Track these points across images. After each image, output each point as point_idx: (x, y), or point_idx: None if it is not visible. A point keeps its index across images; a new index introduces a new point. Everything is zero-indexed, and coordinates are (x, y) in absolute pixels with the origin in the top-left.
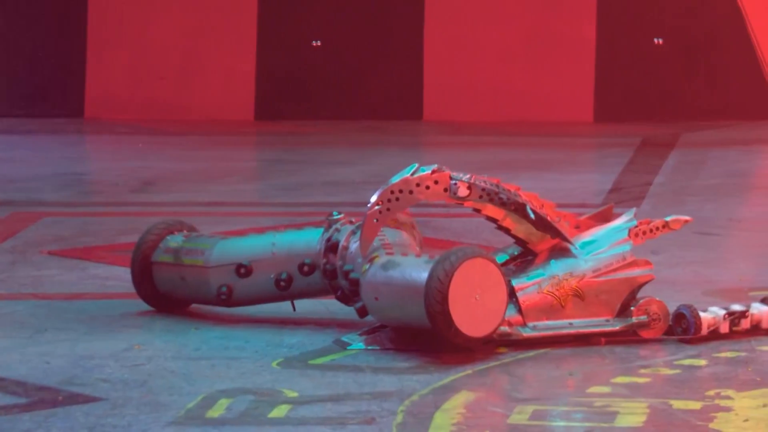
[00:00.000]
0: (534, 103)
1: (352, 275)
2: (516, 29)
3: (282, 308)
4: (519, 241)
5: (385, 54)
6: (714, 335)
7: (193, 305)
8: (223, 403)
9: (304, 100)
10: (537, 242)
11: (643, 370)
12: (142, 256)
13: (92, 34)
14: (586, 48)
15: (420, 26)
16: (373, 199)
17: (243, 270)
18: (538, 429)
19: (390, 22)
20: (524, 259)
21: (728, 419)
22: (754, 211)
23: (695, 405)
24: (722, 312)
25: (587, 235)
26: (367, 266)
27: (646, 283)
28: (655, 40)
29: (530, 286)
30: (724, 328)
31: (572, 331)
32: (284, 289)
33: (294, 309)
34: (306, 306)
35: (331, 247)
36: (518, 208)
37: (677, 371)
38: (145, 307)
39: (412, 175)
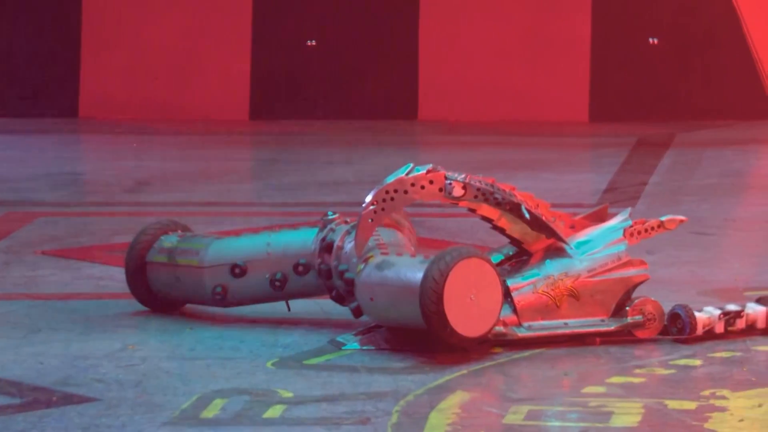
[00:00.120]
0: (529, 102)
1: (347, 275)
2: (511, 29)
3: (277, 308)
4: (514, 241)
5: (380, 53)
6: (709, 335)
7: (188, 305)
8: (218, 403)
9: (299, 100)
10: (532, 242)
11: (638, 370)
12: (136, 256)
13: (87, 34)
14: (581, 47)
15: (415, 26)
16: (368, 198)
17: (238, 270)
18: (533, 429)
19: (385, 21)
20: (519, 259)
21: (723, 419)
22: (750, 211)
23: (690, 405)
24: (717, 312)
25: (582, 235)
26: (362, 266)
27: (641, 282)
28: (651, 40)
29: (525, 286)
30: (720, 328)
31: (567, 331)
32: (279, 289)
33: (289, 309)
34: (301, 306)
35: (326, 247)
36: (513, 208)
37: (672, 371)
38: (140, 307)
39: (407, 174)
